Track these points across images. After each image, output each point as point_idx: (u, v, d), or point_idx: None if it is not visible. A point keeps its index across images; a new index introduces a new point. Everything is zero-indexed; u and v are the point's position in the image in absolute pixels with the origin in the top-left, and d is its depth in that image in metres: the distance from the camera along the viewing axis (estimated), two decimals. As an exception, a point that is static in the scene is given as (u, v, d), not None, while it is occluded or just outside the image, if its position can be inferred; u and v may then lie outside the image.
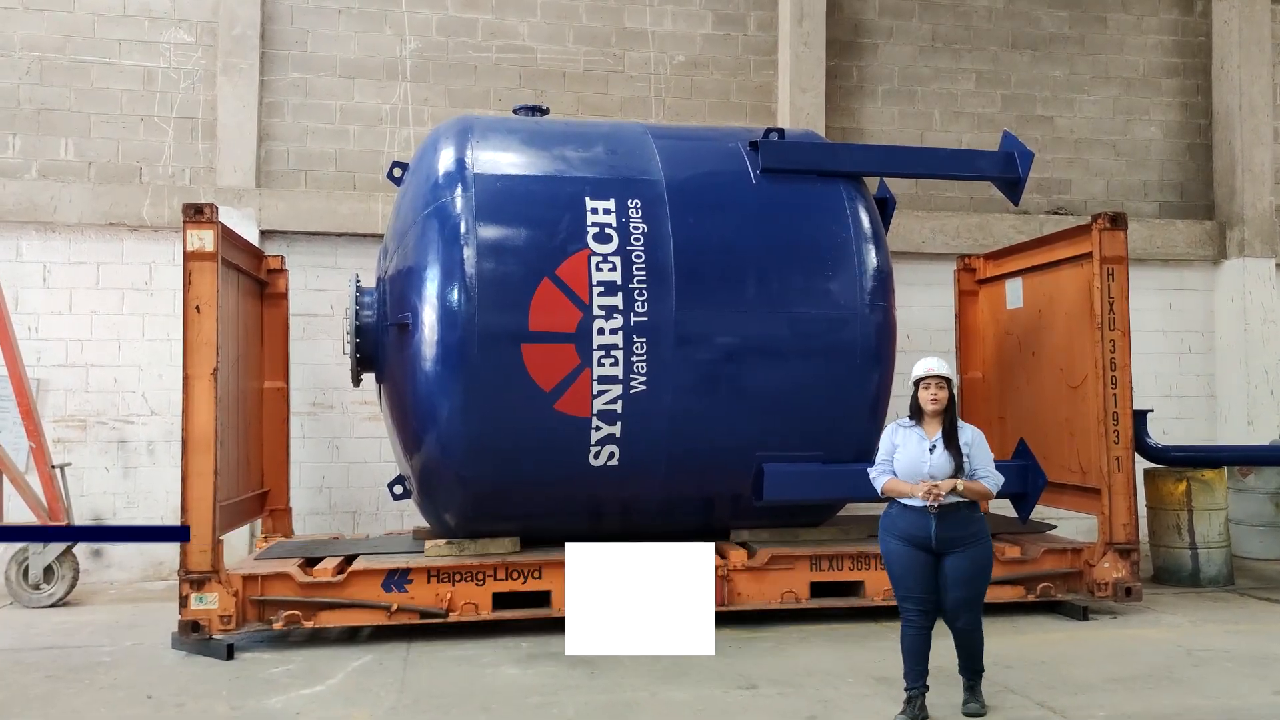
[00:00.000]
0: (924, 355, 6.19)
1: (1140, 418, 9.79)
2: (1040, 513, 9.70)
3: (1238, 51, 12.29)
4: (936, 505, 5.63)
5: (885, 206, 9.45)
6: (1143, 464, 9.92)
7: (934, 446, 5.77)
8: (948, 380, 5.86)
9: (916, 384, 5.91)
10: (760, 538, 8.40)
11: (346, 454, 10.56)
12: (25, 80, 10.24)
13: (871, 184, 9.59)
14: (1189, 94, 12.61)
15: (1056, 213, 12.03)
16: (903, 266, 11.43)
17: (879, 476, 5.96)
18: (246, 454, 8.98)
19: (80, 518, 10.03)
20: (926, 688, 5.78)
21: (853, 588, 8.18)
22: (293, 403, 10.12)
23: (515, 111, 8.96)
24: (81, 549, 9.87)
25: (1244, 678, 6.58)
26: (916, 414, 5.92)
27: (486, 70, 11.02)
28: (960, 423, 5.91)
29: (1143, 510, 9.88)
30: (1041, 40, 12.25)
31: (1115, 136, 12.38)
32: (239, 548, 9.83)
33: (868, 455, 8.22)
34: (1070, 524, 10.64)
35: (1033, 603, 8.21)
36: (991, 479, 5.79)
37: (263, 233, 10.41)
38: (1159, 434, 11.85)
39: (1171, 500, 9.53)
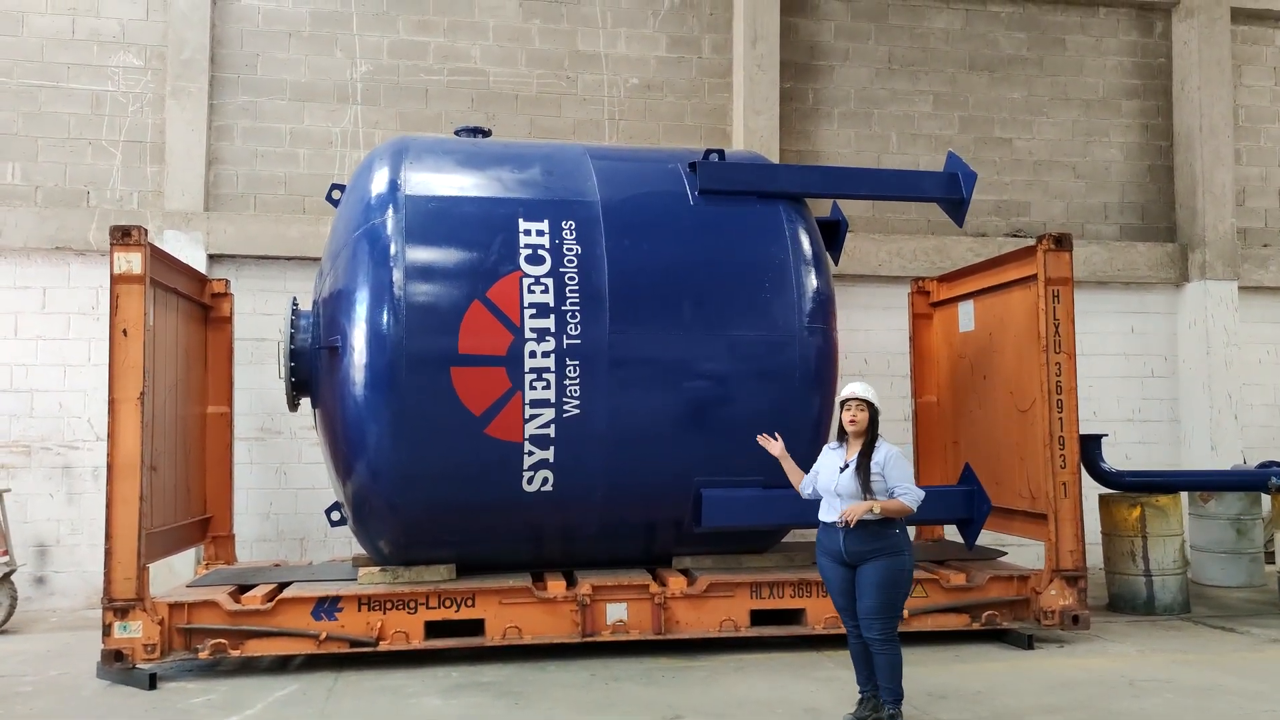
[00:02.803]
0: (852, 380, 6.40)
1: (1094, 442, 9.70)
2: (996, 540, 9.60)
3: (1198, 72, 12.25)
4: (846, 525, 5.83)
5: (837, 229, 9.38)
6: (1099, 489, 9.85)
7: (845, 467, 5.94)
8: (869, 404, 5.99)
9: (841, 405, 6.08)
10: (703, 564, 8.26)
11: (294, 480, 10.43)
12: (-28, 104, 10.19)
13: (825, 206, 9.56)
14: (1150, 115, 12.56)
15: (1015, 235, 11.94)
16: (860, 289, 11.49)
17: (801, 494, 6.34)
18: (187, 479, 8.84)
19: (24, 545, 9.93)
20: (877, 688, 5.95)
21: (794, 615, 8.02)
22: (241, 428, 10.02)
23: (457, 133, 8.86)
24: (23, 576, 9.75)
25: (1184, 709, 6.42)
26: (842, 434, 6.10)
27: (438, 93, 10.96)
28: (880, 442, 6.01)
29: (1098, 536, 9.80)
30: (1000, 62, 12.21)
31: (1075, 158, 12.32)
32: (184, 573, 9.68)
33: (810, 480, 8.18)
34: (1031, 551, 10.47)
35: (978, 631, 8.05)
36: (909, 495, 5.86)
37: (211, 256, 10.32)
38: (1121, 458, 11.79)
39: (1125, 526, 9.39)
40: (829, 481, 5.99)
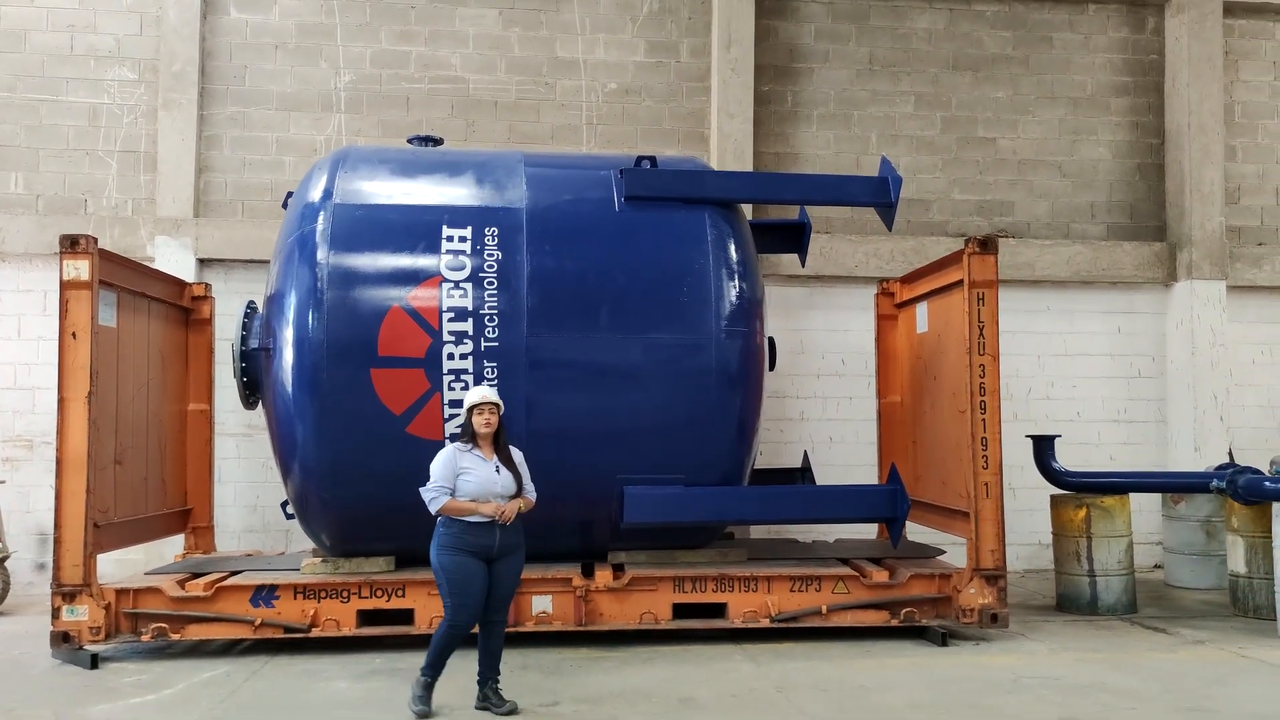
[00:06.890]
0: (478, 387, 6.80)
1: (1048, 442, 9.72)
2: (939, 539, 9.63)
3: (1188, 69, 12.04)
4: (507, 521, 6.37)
5: (803, 231, 9.56)
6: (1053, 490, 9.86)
7: (499, 467, 6.46)
8: (498, 406, 6.52)
9: (470, 411, 6.50)
10: (637, 559, 8.48)
11: (279, 473, 10.88)
12: (-21, 118, 10.90)
13: (794, 210, 9.72)
14: (1140, 113, 12.39)
15: (999, 235, 11.87)
16: (838, 290, 11.62)
17: (438, 498, 6.40)
18: (162, 473, 9.34)
19: (26, 533, 10.60)
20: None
21: (718, 609, 8.23)
22: (228, 424, 10.57)
23: (409, 142, 9.23)
24: (25, 563, 10.43)
25: (1045, 704, 6.48)
26: (471, 437, 6.50)
27: (419, 101, 11.36)
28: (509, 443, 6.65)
29: (1049, 537, 9.83)
30: (984, 61, 12.17)
31: (1061, 157, 12.22)
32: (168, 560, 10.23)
33: (734, 478, 8.40)
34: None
35: (899, 628, 8.16)
36: (532, 491, 6.64)
37: (201, 260, 10.87)
38: (1105, 459, 11.75)
39: (1071, 527, 9.37)
40: (489, 481, 6.37)
